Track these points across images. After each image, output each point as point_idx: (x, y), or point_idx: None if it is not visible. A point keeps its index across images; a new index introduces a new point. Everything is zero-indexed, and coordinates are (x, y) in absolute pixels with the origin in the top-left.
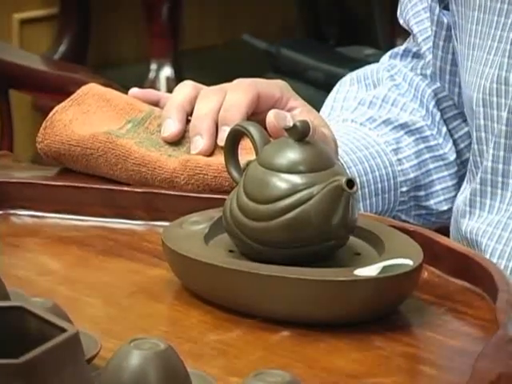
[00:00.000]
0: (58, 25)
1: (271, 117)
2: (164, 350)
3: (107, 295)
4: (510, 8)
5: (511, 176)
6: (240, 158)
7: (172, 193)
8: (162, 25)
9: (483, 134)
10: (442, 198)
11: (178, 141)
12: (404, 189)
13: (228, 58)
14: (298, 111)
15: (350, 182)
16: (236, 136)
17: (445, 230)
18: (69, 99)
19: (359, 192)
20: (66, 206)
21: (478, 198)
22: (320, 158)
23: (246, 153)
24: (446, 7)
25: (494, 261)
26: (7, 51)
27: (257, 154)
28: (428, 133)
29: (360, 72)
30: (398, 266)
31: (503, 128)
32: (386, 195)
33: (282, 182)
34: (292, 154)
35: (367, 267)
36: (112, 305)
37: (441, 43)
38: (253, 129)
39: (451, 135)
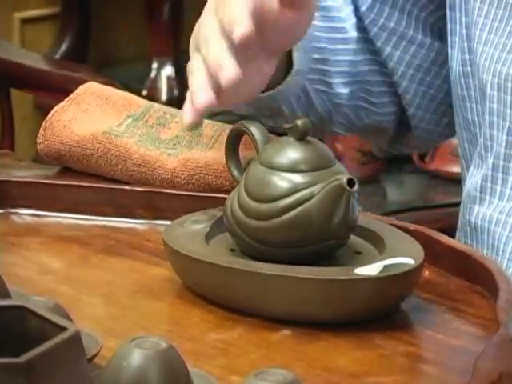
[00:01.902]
0: (59, 24)
1: None
2: (165, 349)
3: (108, 294)
4: None
5: None
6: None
7: (173, 192)
8: (163, 23)
9: (495, 119)
10: (340, 80)
11: (177, 135)
12: (315, 56)
13: None
14: None
15: (351, 182)
16: (237, 135)
17: (445, 230)
18: (67, 99)
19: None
20: (67, 204)
21: (489, 184)
22: (321, 157)
23: (245, 148)
24: None
25: (508, 250)
26: (8, 50)
27: (257, 152)
28: (335, 14)
29: None
30: (399, 265)
31: None
32: (302, 54)
33: (282, 181)
34: (293, 153)
35: (368, 266)
36: (113, 304)
37: None
38: (254, 128)
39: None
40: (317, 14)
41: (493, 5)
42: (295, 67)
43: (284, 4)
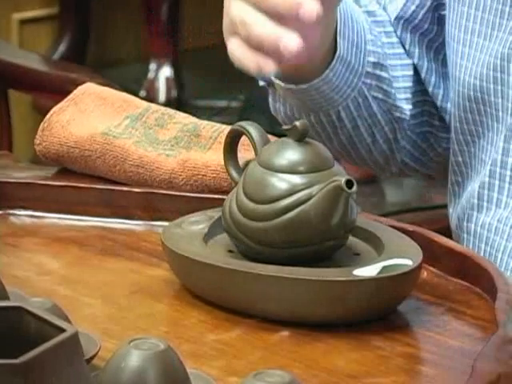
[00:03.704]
0: (57, 25)
1: None
2: (163, 350)
3: (106, 295)
4: None
5: None
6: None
7: (171, 193)
8: (161, 25)
9: (495, 124)
10: (403, 95)
11: (175, 136)
12: (371, 59)
13: (227, 57)
14: None
15: (349, 183)
16: (235, 136)
17: (444, 231)
18: (66, 100)
19: (342, 28)
20: (65, 205)
21: (486, 192)
22: (319, 158)
23: (244, 149)
24: None
25: (504, 259)
26: (7, 51)
27: (256, 153)
28: (391, 28)
29: None
30: (398, 266)
31: None
32: (359, 52)
33: (281, 182)
34: (291, 155)
35: (366, 267)
36: (111, 305)
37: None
38: (252, 129)
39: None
40: (376, 28)
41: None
42: (337, 52)
43: None
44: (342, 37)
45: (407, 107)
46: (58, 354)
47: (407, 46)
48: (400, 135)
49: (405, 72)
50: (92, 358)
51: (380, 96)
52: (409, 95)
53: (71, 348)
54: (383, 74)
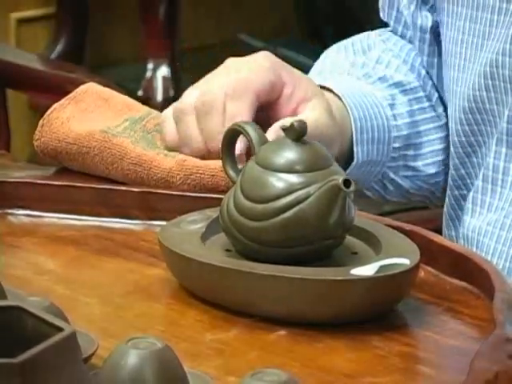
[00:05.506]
0: (55, 24)
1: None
2: (161, 350)
3: (104, 294)
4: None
5: (511, 174)
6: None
7: (169, 192)
8: (159, 24)
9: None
10: (429, 160)
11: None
12: (396, 145)
13: (225, 57)
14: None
15: (347, 182)
16: (233, 135)
17: (441, 230)
18: (67, 97)
19: (358, 136)
20: (63, 205)
21: (480, 196)
22: (317, 157)
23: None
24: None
25: (494, 261)
26: (4, 50)
27: (254, 153)
28: (421, 94)
29: (347, 41)
30: (395, 265)
31: (504, 125)
32: (381, 146)
33: (279, 182)
34: (289, 154)
35: (364, 266)
36: (109, 304)
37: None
38: (250, 128)
39: (441, 99)
40: (403, 98)
41: (470, 20)
42: (354, 161)
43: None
44: (359, 144)
45: (434, 170)
46: (55, 353)
47: None
48: (437, 194)
49: (439, 134)
50: (90, 357)
51: (409, 174)
52: (435, 158)
53: (69, 347)
54: (410, 152)
